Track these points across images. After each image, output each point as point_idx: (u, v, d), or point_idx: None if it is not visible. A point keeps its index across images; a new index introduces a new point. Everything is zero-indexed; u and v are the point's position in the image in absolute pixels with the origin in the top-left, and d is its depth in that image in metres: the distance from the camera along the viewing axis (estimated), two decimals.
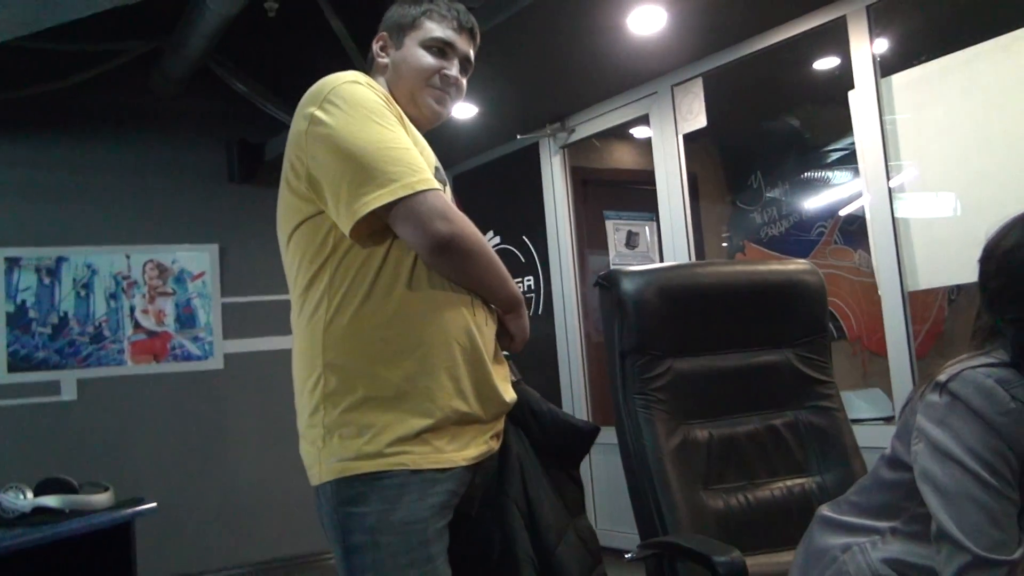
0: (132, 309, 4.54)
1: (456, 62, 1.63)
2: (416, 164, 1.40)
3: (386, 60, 1.64)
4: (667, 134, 3.78)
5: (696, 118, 3.67)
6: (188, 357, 4.65)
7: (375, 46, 1.67)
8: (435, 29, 1.61)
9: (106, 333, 4.47)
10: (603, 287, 1.85)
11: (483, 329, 1.50)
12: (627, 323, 1.78)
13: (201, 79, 4.47)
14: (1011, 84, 2.67)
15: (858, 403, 3.33)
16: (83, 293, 4.45)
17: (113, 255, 4.53)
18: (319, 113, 1.42)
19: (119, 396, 4.44)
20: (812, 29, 3.16)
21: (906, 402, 1.32)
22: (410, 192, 1.37)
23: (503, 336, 1.59)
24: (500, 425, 1.55)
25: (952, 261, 2.80)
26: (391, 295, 1.42)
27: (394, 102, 1.53)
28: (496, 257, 1.51)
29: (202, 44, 3.93)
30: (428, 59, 1.60)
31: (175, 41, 4.07)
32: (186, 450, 4.55)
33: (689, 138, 3.76)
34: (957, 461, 1.16)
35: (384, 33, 1.66)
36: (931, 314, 3.61)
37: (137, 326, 4.54)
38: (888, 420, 3.17)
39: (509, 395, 1.55)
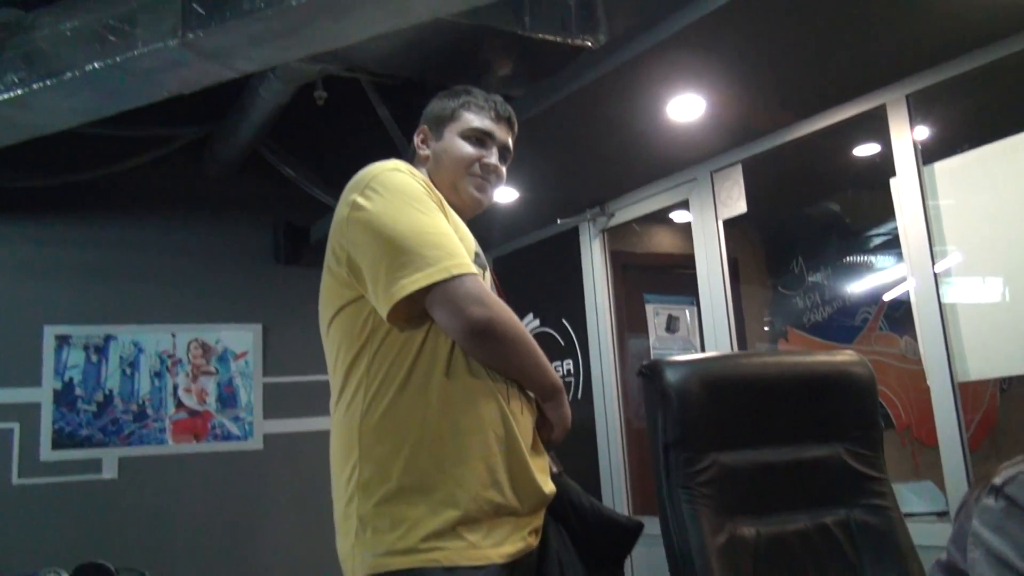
0: (175, 388, 4.58)
1: (495, 150, 1.66)
2: (454, 249, 1.41)
3: (427, 152, 1.68)
4: (707, 219, 3.77)
5: (736, 204, 3.65)
6: (228, 437, 4.65)
7: (416, 139, 1.71)
8: (473, 120, 1.65)
9: (149, 411, 4.50)
10: (646, 377, 1.81)
11: (519, 418, 1.46)
12: (670, 415, 1.72)
13: (250, 163, 4.59)
14: None
15: (910, 497, 3.19)
16: (128, 371, 4.50)
17: (159, 334, 4.59)
18: (360, 200, 1.44)
19: (159, 475, 4.43)
20: (851, 117, 3.15)
21: (961, 505, 1.25)
22: (446, 276, 1.37)
23: (543, 426, 1.55)
24: (539, 520, 1.50)
25: (1002, 350, 2.71)
26: (428, 383, 1.40)
27: (435, 189, 1.54)
28: (534, 343, 1.49)
29: (253, 130, 4.04)
30: (468, 148, 1.63)
31: (227, 127, 4.20)
32: (223, 532, 4.50)
33: (729, 223, 3.73)
34: (1016, 571, 1.09)
35: (424, 126, 1.70)
36: (983, 404, 3.49)
37: (179, 405, 4.57)
38: (941, 515, 3.03)
39: (548, 487, 1.50)
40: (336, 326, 1.50)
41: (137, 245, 4.60)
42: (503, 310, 1.43)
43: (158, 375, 4.56)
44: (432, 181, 1.60)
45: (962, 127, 3.19)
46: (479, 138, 1.65)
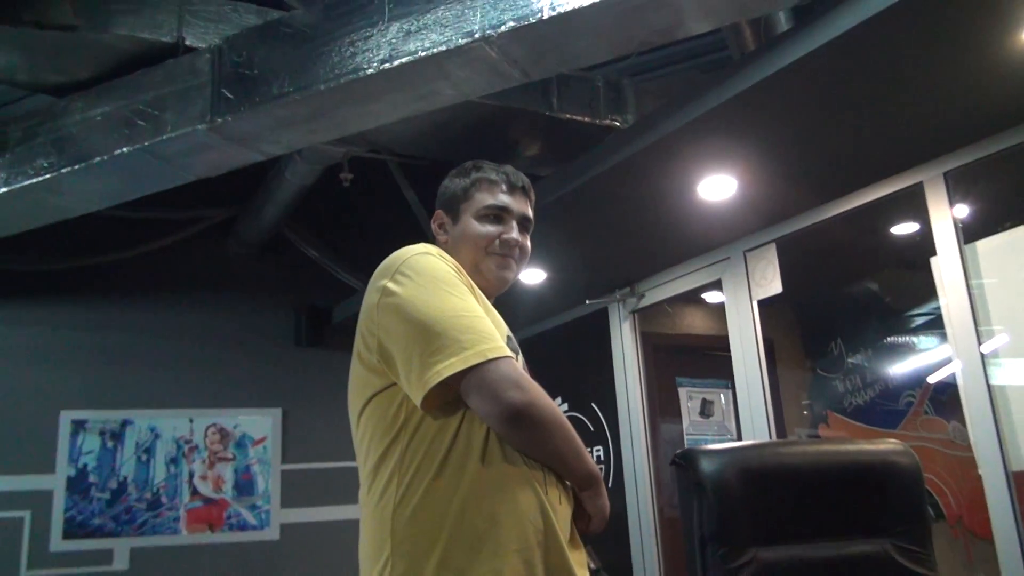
0: (191, 475, 4.58)
1: (514, 224, 1.68)
2: (488, 332, 1.42)
3: (445, 236, 1.70)
4: (741, 300, 3.77)
5: (771, 284, 3.66)
6: (243, 526, 4.62)
7: (433, 225, 1.74)
8: (487, 198, 1.67)
9: (163, 500, 4.50)
10: (680, 467, 1.80)
11: (558, 508, 1.45)
12: (707, 507, 1.71)
13: (274, 244, 4.68)
14: None
15: None
16: (144, 457, 4.52)
17: (177, 419, 4.63)
18: (391, 285, 1.47)
19: (171, 567, 4.40)
20: (888, 196, 3.18)
21: None
22: (482, 360, 1.38)
23: (580, 517, 1.54)
24: None
25: None
26: (464, 471, 1.40)
27: (464, 272, 1.56)
28: (572, 430, 1.48)
29: (277, 211, 4.14)
30: (485, 228, 1.65)
31: (252, 208, 4.30)
32: None
33: (764, 303, 3.74)
34: None
35: (440, 211, 1.73)
36: None
37: (195, 492, 4.56)
38: None
39: None
40: (367, 415, 1.51)
41: (156, 328, 4.68)
42: (541, 395, 1.43)
43: (174, 461, 4.57)
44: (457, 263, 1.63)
45: (1004, 204, 3.20)
46: (496, 215, 1.66)
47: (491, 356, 1.39)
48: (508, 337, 1.55)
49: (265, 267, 4.90)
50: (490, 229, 1.65)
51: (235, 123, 2.65)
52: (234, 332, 4.82)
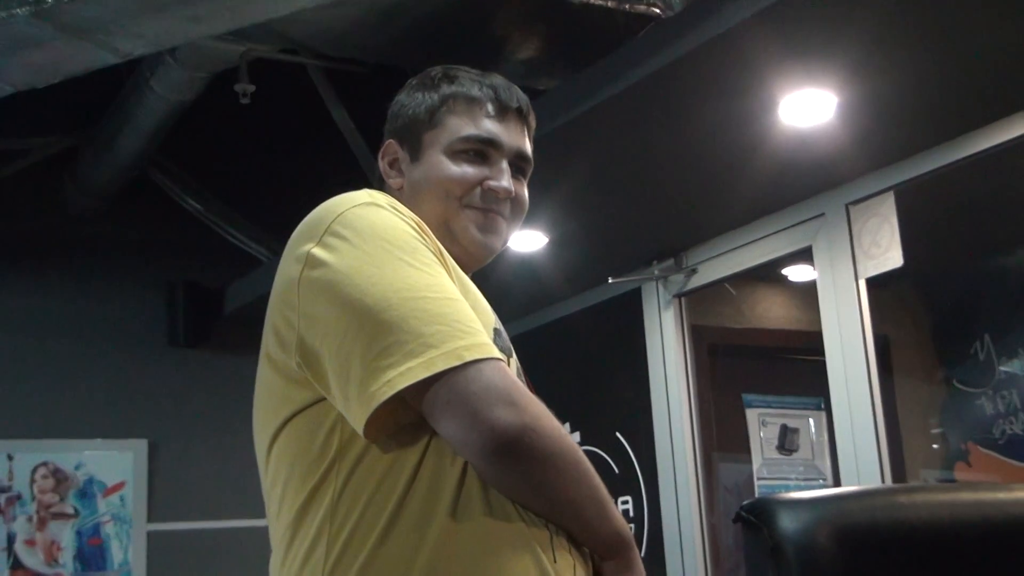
0: (11, 539, 4.58)
1: (504, 165, 1.67)
2: (465, 322, 1.42)
3: (400, 180, 1.70)
4: (841, 277, 3.79)
5: (886, 253, 3.67)
6: None
7: (381, 163, 1.73)
8: (464, 125, 1.66)
9: None
10: (748, 524, 1.81)
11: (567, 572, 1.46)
12: None
13: (135, 192, 4.66)
14: None
15: None
16: None
17: None
18: (318, 251, 1.46)
19: None
20: None
21: None
22: (456, 363, 1.36)
23: None
24: None
25: None
26: (426, 529, 1.40)
27: (429, 233, 1.55)
28: (592, 469, 1.48)
29: (139, 143, 4.12)
30: (461, 169, 1.64)
31: (101, 138, 4.27)
32: None
33: (876, 283, 3.75)
34: None
35: (391, 142, 1.72)
36: None
37: (16, 566, 4.56)
38: None
39: None
40: (282, 445, 1.51)
41: None
42: (544, 415, 1.42)
43: None
44: None
45: None
46: (477, 151, 1.66)
47: (470, 358, 1.37)
48: (496, 331, 1.55)
49: (122, 225, 4.89)
50: (468, 171, 1.64)
51: (73, 5, 2.63)
52: (76, 326, 4.81)
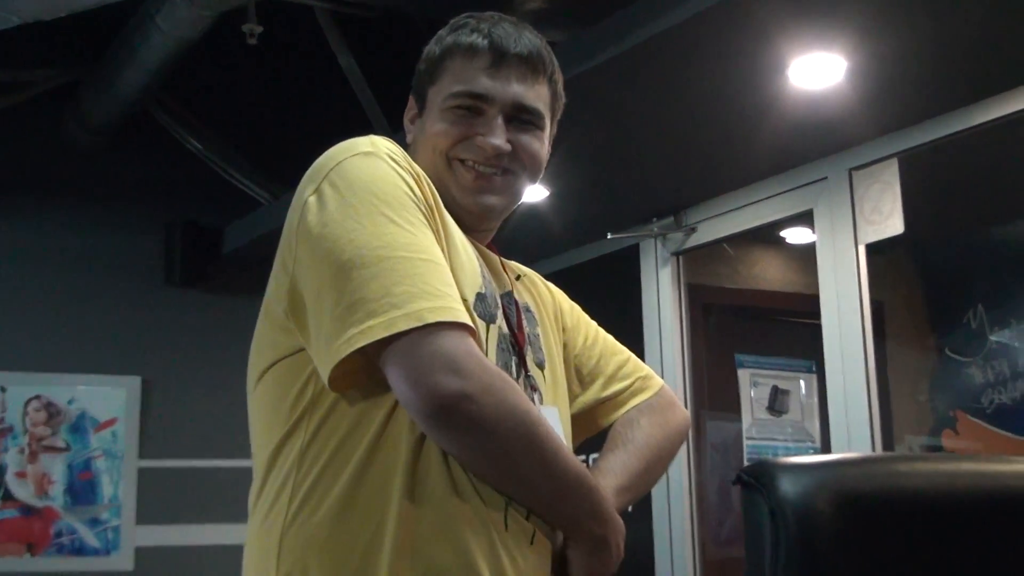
0: (2, 470, 4.58)
1: (498, 120, 1.61)
2: (435, 283, 1.40)
3: (414, 135, 1.68)
4: (841, 242, 3.80)
5: (887, 220, 3.68)
6: (81, 550, 4.66)
7: (406, 117, 1.71)
8: (457, 78, 1.61)
9: None
10: (748, 487, 1.82)
11: (517, 558, 1.46)
12: (786, 546, 1.74)
13: (136, 129, 4.64)
14: None
15: None
16: None
17: None
18: (312, 200, 1.46)
19: None
20: None
21: None
22: (415, 324, 1.36)
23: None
24: None
25: None
26: (384, 491, 1.41)
27: (431, 187, 1.54)
28: (555, 448, 1.46)
29: (142, 79, 4.09)
30: (443, 126, 1.61)
31: (103, 73, 4.24)
32: None
33: (875, 249, 3.77)
34: None
35: (412, 97, 1.70)
36: None
37: (7, 497, 4.57)
38: None
39: None
40: (265, 388, 1.53)
41: None
42: (491, 385, 1.40)
43: None
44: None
45: None
46: (468, 106, 1.60)
47: (431, 320, 1.36)
48: (480, 295, 1.54)
49: (122, 162, 4.86)
50: (451, 129, 1.60)
51: None
52: (72, 262, 4.80)
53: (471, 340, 1.41)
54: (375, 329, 1.35)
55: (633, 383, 1.82)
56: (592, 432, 1.75)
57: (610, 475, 1.61)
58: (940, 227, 4.36)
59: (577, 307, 1.90)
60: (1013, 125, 3.35)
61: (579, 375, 1.79)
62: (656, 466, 1.76)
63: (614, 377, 1.82)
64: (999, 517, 1.83)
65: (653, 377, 1.86)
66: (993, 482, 1.88)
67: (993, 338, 4.42)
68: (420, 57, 1.69)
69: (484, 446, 1.42)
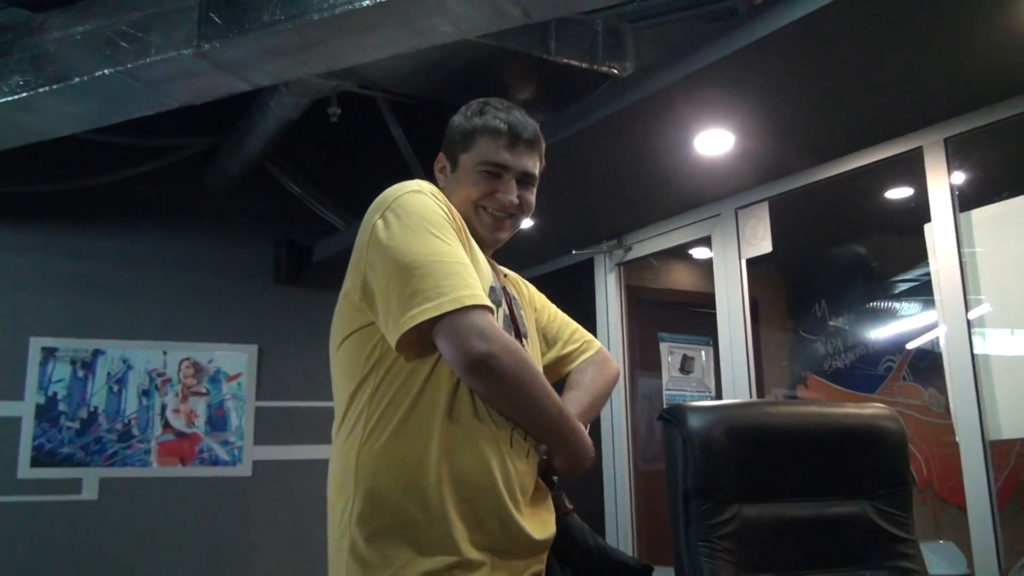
0: (164, 408, 4.57)
1: (513, 183, 1.62)
2: (467, 279, 1.42)
3: (444, 181, 1.67)
4: (730, 258, 3.79)
5: (761, 243, 3.67)
6: (216, 462, 4.64)
7: (436, 168, 1.70)
8: (485, 152, 1.60)
9: (135, 431, 4.49)
10: (667, 422, 1.82)
11: (517, 465, 1.47)
12: (693, 463, 1.73)
13: (255, 178, 4.63)
14: None
15: (930, 558, 3.16)
16: (116, 388, 4.50)
17: (150, 351, 4.60)
18: (379, 223, 1.47)
19: (141, 498, 4.42)
20: (886, 159, 3.18)
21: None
22: (456, 307, 1.39)
23: (549, 465, 1.56)
24: (539, 564, 1.52)
25: None
26: (430, 420, 1.43)
27: (457, 215, 1.55)
28: (543, 387, 1.48)
29: (261, 144, 4.08)
30: (479, 184, 1.60)
31: (234, 139, 4.24)
32: (206, 561, 4.48)
33: (752, 263, 3.76)
34: None
35: (441, 154, 1.69)
36: (1009, 461, 3.48)
37: (167, 426, 4.56)
38: None
39: (544, 533, 1.52)
40: (344, 351, 1.52)
41: (132, 257, 4.63)
42: (508, 347, 1.42)
43: (146, 394, 4.56)
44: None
45: (1001, 174, 3.21)
46: (493, 172, 1.60)
47: (466, 304, 1.39)
48: (492, 288, 1.55)
49: (245, 201, 4.84)
50: (484, 186, 1.60)
51: (222, 49, 2.59)
52: (211, 266, 4.78)
53: (492, 317, 1.44)
54: (430, 310, 1.38)
55: (581, 345, 1.82)
56: (555, 379, 1.74)
57: (571, 406, 1.61)
58: (797, 248, 4.35)
59: (543, 295, 1.90)
60: (847, 179, 3.35)
61: (546, 340, 1.79)
62: (599, 400, 1.76)
63: (568, 341, 1.82)
64: (828, 438, 1.84)
65: (594, 341, 1.86)
66: (825, 418, 1.88)
67: (831, 323, 4.42)
68: (448, 127, 1.68)
69: (503, 389, 1.44)
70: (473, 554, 1.39)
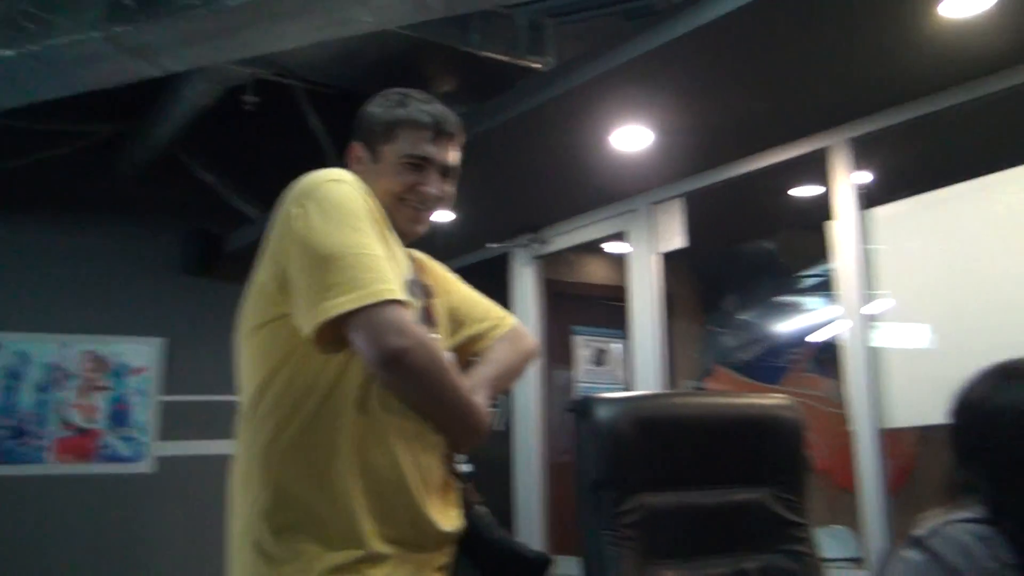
0: (62, 403, 4.45)
1: (435, 176, 1.61)
2: (385, 274, 1.41)
3: (363, 170, 1.63)
4: (644, 252, 3.89)
5: (675, 238, 3.78)
6: (117, 458, 4.54)
7: (350, 158, 1.66)
8: (408, 145, 1.58)
9: (30, 428, 4.36)
10: (577, 413, 1.87)
11: (427, 458, 1.49)
12: (600, 453, 1.79)
13: (166, 166, 4.53)
14: (987, 224, 2.82)
15: (825, 542, 3.34)
16: (10, 382, 4.36)
17: (48, 344, 4.47)
18: (298, 211, 1.44)
19: (37, 498, 4.30)
20: (794, 159, 3.32)
21: (884, 558, 1.36)
22: (374, 301, 1.37)
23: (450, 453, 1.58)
24: (444, 557, 1.54)
25: (928, 398, 2.86)
26: (339, 414, 1.43)
27: (377, 206, 1.53)
28: (454, 383, 1.49)
29: (171, 132, 4.01)
30: (402, 176, 1.58)
31: (143, 126, 4.14)
32: (105, 561, 4.38)
33: (667, 257, 3.86)
34: None
35: (357, 144, 1.65)
36: (902, 449, 3.67)
37: (65, 422, 4.44)
38: (855, 562, 3.19)
39: (452, 525, 1.53)
40: (254, 342, 1.50)
41: (32, 246, 4.48)
42: (422, 343, 1.41)
43: (43, 388, 4.43)
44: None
45: (902, 174, 3.39)
46: (416, 164, 1.59)
47: (384, 298, 1.38)
48: (408, 281, 1.54)
49: (155, 189, 4.73)
50: (407, 179, 1.59)
51: (133, 33, 2.54)
52: (118, 255, 4.67)
53: (408, 312, 1.43)
54: (347, 303, 1.36)
55: (494, 322, 1.80)
56: (469, 357, 1.73)
57: (473, 378, 1.61)
58: (709, 242, 4.47)
59: (453, 275, 1.86)
60: (759, 176, 3.48)
61: (457, 319, 1.76)
62: (509, 373, 1.75)
63: (481, 319, 1.79)
64: (730, 428, 1.93)
65: (509, 317, 1.84)
66: (728, 409, 1.98)
67: (739, 317, 4.58)
68: (363, 116, 1.65)
69: (416, 384, 1.44)
70: (380, 547, 1.40)
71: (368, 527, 1.40)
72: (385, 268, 1.42)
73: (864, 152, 3.16)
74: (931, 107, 2.92)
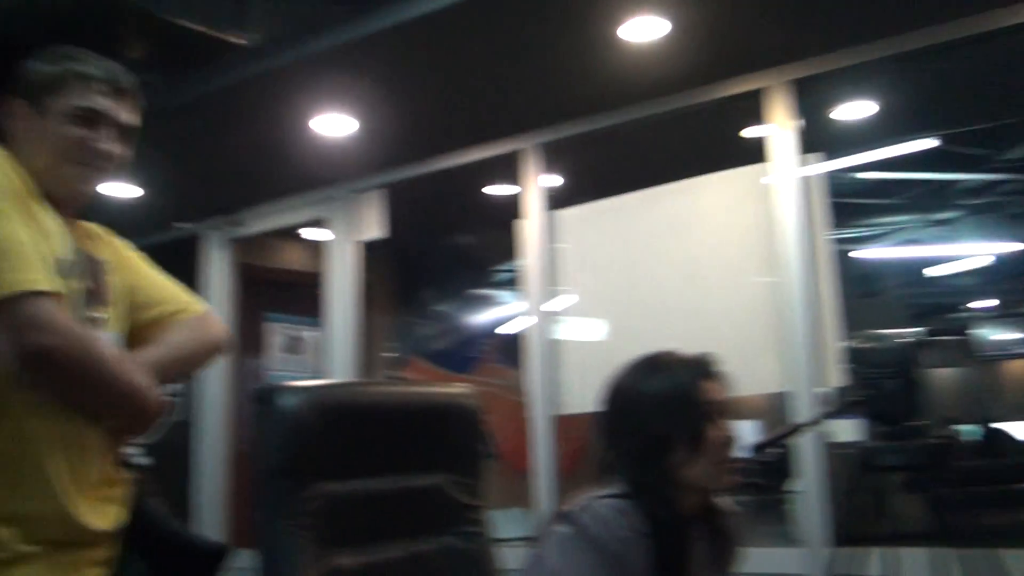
0: None
1: (109, 131, 1.51)
2: (27, 261, 1.31)
3: (22, 127, 1.50)
4: (344, 240, 3.91)
5: (375, 228, 3.84)
6: None
7: (3, 113, 1.53)
8: (81, 96, 1.48)
9: None
10: (258, 402, 1.86)
11: (81, 455, 1.42)
12: (280, 442, 1.80)
13: None
14: (653, 231, 3.18)
15: (500, 523, 3.58)
16: None
17: None
18: None
19: None
20: (490, 158, 3.51)
21: (540, 533, 1.50)
22: (9, 294, 1.27)
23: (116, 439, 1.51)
24: (104, 552, 1.48)
25: (599, 387, 3.16)
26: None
27: (22, 177, 1.42)
28: (112, 373, 1.42)
29: None
30: (71, 131, 1.48)
31: None
32: None
33: (367, 246, 3.91)
34: None
35: (18, 99, 1.52)
36: (576, 434, 4.01)
37: None
38: (528, 540, 3.44)
39: (109, 523, 1.48)
40: None
41: None
42: (71, 338, 1.34)
43: None
44: (30, 166, 1.45)
45: (586, 180, 3.70)
46: (88, 118, 1.48)
47: (23, 289, 1.28)
48: (68, 260, 1.44)
49: None
50: (76, 132, 1.47)
51: None
52: None
53: (55, 304, 1.33)
54: None
55: (180, 307, 1.72)
56: (147, 342, 1.62)
57: (137, 359, 1.51)
58: (409, 234, 4.58)
59: (136, 253, 1.76)
60: (459, 172, 3.64)
61: (138, 301, 1.66)
62: (186, 360, 1.69)
63: (164, 302, 1.71)
64: (412, 417, 2.01)
65: (197, 303, 1.75)
66: (410, 397, 2.06)
67: (435, 309, 4.74)
68: (24, 70, 1.51)
69: (69, 381, 1.36)
70: (24, 548, 1.33)
71: (9, 531, 1.32)
72: (27, 255, 1.32)
73: (553, 157, 3.42)
74: (612, 120, 3.24)
